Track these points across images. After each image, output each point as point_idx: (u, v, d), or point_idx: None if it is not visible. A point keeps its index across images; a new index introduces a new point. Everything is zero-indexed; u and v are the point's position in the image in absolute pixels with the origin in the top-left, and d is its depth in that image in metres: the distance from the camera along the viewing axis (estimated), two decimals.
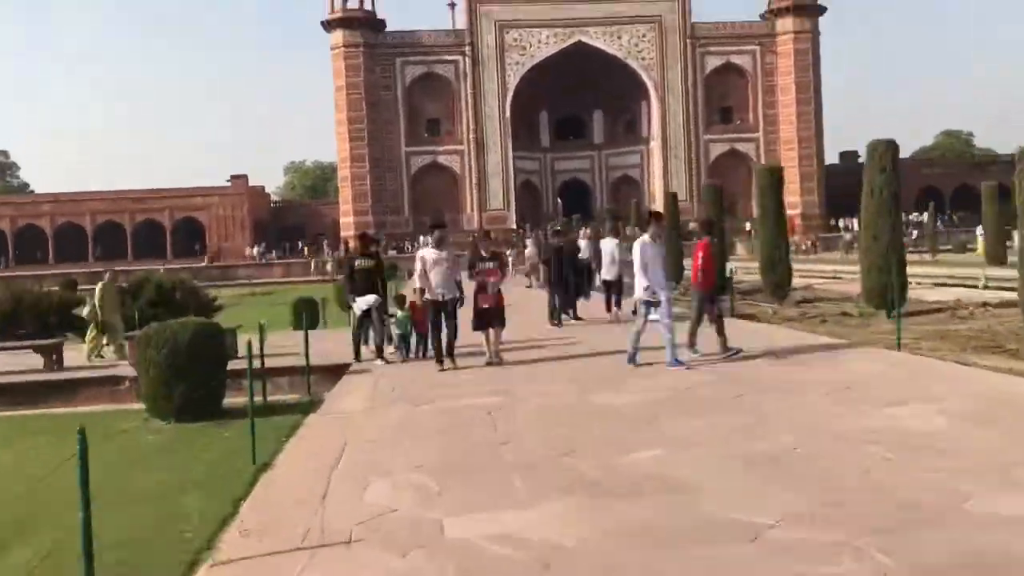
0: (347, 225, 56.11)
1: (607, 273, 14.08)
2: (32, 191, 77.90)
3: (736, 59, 58.96)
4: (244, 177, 67.69)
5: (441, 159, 57.44)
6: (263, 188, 70.45)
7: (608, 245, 14.39)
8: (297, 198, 79.99)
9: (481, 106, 57.03)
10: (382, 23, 56.93)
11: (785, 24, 58.36)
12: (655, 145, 59.16)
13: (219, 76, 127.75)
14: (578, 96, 61.80)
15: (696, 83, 58.32)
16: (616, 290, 13.85)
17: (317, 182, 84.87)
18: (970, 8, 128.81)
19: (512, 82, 57.13)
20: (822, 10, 58.60)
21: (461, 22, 57.49)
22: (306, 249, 53.24)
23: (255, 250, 54.98)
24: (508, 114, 57.23)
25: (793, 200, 57.07)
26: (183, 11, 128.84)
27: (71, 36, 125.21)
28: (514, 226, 56.99)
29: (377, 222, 56.02)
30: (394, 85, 56.85)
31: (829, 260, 40.20)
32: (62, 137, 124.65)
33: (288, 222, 67.96)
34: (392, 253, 52.65)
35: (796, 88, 58.08)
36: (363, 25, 55.75)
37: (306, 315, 11.75)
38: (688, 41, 58.07)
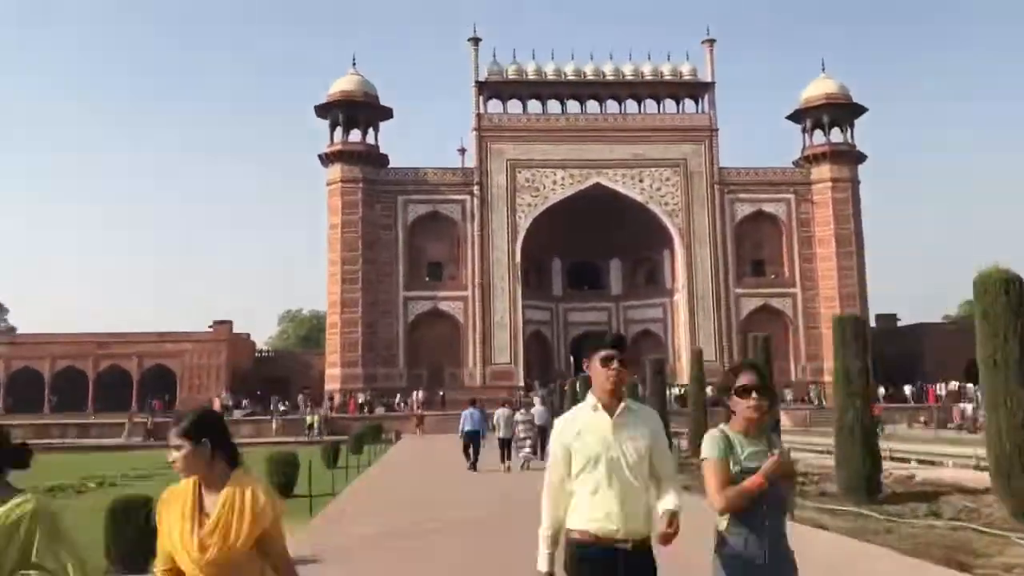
0: (333, 377, 49.95)
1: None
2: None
3: (768, 207, 54.33)
4: (228, 323, 62.29)
5: (443, 305, 51.93)
6: (247, 336, 64.79)
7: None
8: (289, 349, 74.22)
9: (488, 249, 52.04)
10: (384, 159, 52.89)
11: (822, 172, 54.08)
12: (680, 298, 53.64)
13: (218, 223, 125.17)
14: (594, 242, 56.97)
15: (725, 232, 53.45)
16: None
17: (312, 332, 79.69)
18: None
19: (523, 224, 52.39)
20: (862, 158, 54.45)
21: (470, 160, 53.36)
22: (277, 403, 46.77)
23: (220, 399, 48.44)
24: (518, 258, 52.12)
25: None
26: (184, 156, 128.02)
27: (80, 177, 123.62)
28: (521, 383, 50.71)
29: (367, 375, 49.88)
30: (394, 224, 52.15)
31: (906, 437, 34.03)
32: (58, 279, 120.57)
33: (272, 373, 61.89)
34: (380, 411, 46.24)
35: (836, 241, 53.07)
36: (363, 160, 51.68)
37: None
38: (716, 187, 53.66)
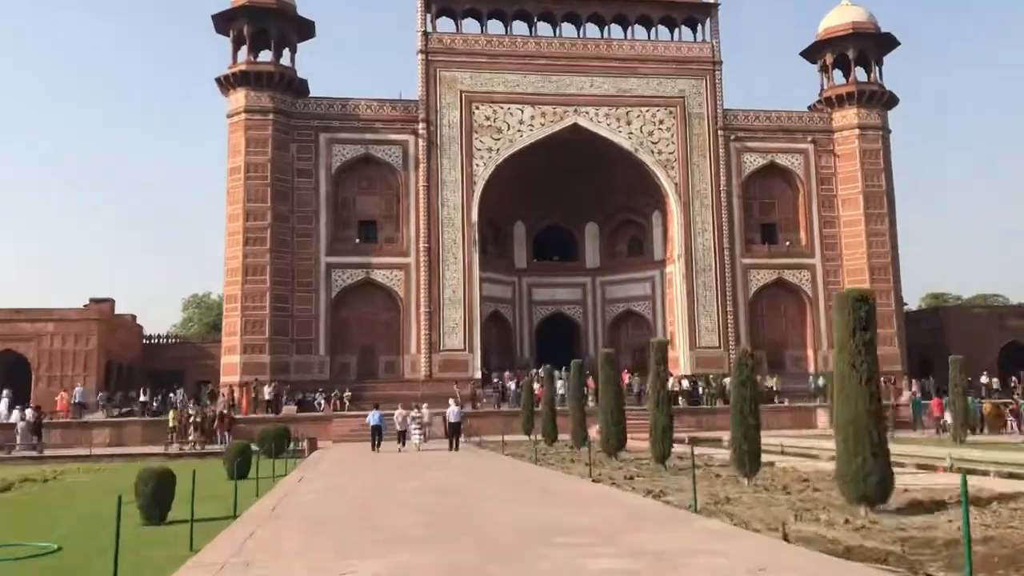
0: (231, 367, 38.50)
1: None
2: None
3: (782, 160, 44.55)
4: (107, 302, 50.25)
5: (378, 275, 40.82)
6: (132, 318, 52.63)
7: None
8: (186, 335, 61.95)
9: (437, 205, 41.09)
10: (303, 86, 41.49)
11: (846, 117, 44.52)
12: (674, 270, 43.50)
13: (108, 182, 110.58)
14: (567, 202, 46.63)
15: (731, 188, 43.48)
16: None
17: (220, 319, 67.39)
18: None
19: (482, 174, 41.58)
20: (893, 101, 45.04)
21: (413, 91, 42.29)
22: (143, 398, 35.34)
23: (66, 396, 36.22)
24: (475, 216, 41.29)
25: None
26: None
27: None
28: (477, 373, 40.04)
29: (276, 364, 38.57)
30: (315, 170, 40.81)
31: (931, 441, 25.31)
32: None
33: (164, 365, 50.18)
34: (291, 409, 35.11)
35: (865, 200, 43.58)
36: (275, 85, 40.19)
37: None
38: (720, 133, 43.62)
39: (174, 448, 29.91)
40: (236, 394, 36.12)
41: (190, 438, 30.17)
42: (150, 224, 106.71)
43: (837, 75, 46.04)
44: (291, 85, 40.76)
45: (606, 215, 47.26)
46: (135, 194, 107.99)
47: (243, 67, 40.11)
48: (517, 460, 22.74)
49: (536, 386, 35.97)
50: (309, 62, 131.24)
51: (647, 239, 46.36)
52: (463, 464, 22.59)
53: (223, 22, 41.16)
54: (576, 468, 19.62)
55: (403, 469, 21.00)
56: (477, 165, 41.62)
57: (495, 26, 43.65)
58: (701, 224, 43.02)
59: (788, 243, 44.19)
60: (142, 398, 36.52)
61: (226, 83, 40.45)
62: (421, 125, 41.33)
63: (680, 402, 36.44)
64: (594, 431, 25.14)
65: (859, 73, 45.59)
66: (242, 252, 38.92)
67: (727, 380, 37.31)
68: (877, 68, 45.19)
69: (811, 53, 46.56)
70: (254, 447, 25.08)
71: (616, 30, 44.52)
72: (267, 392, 35.10)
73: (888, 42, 45.03)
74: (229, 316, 39.39)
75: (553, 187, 45.99)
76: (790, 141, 44.65)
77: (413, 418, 28.74)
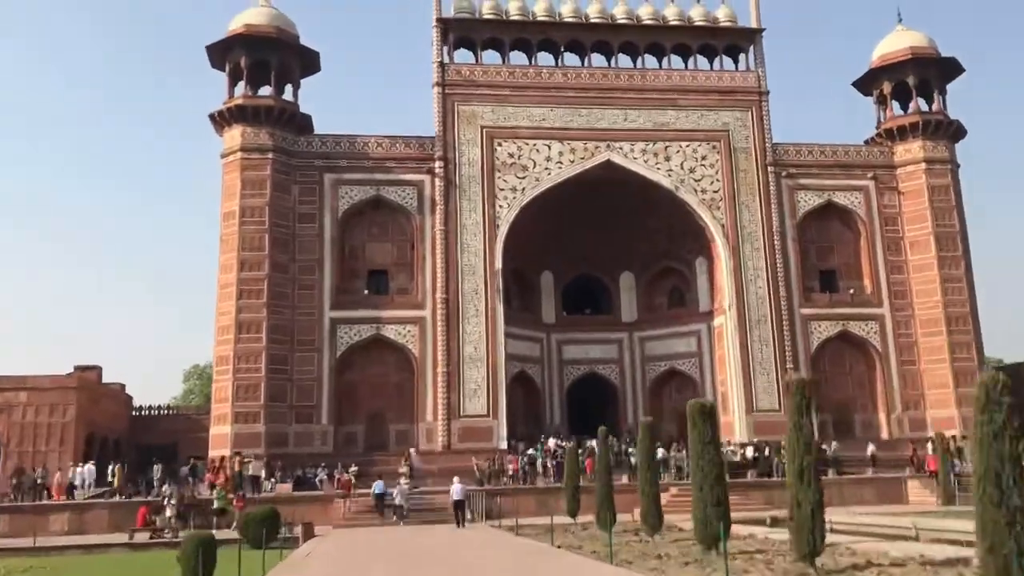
0: (221, 438, 33.69)
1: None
2: None
3: (841, 198, 40.12)
4: (94, 369, 46.04)
5: (389, 331, 36.22)
6: (121, 388, 48.12)
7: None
8: (178, 405, 57.23)
9: (456, 252, 36.71)
10: (306, 122, 37.64)
11: (910, 150, 40.25)
12: (724, 323, 38.72)
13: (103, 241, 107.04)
14: (600, 249, 42.24)
15: (784, 231, 38.95)
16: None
17: None
18: None
19: (506, 217, 37.28)
20: (960, 133, 40.76)
21: (429, 128, 38.30)
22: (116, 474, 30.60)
23: (68, 475, 31.21)
24: (499, 263, 36.84)
25: (945, 415, 36.43)
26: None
27: None
28: (503, 443, 35.06)
29: (273, 435, 33.79)
30: (319, 214, 36.66)
31: None
32: None
33: (155, 439, 45.54)
34: (285, 487, 30.24)
35: (936, 242, 38.99)
36: (275, 121, 36.34)
37: None
38: (769, 169, 39.31)
39: (144, 536, 24.94)
40: (221, 470, 31.14)
41: (158, 523, 25.15)
42: (150, 291, 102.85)
43: (895, 107, 41.99)
44: (293, 121, 36.89)
45: (643, 263, 42.71)
46: (134, 257, 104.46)
47: (239, 101, 36.30)
48: (576, 554, 17.71)
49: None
50: (314, 97, 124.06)
51: (690, 289, 41.69)
52: (503, 559, 17.59)
53: (218, 54, 37.51)
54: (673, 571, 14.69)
55: (420, 566, 16.06)
56: (500, 207, 37.34)
57: (518, 57, 39.97)
58: (753, 270, 38.37)
59: (851, 291, 39.39)
60: (110, 477, 31.54)
61: (220, 119, 36.61)
62: (438, 164, 37.23)
63: (748, 475, 31.36)
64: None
65: (919, 103, 41.45)
66: (235, 307, 34.48)
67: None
68: (940, 97, 41.06)
69: (865, 83, 42.56)
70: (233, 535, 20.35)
71: (651, 60, 40.72)
72: (252, 467, 30.10)
73: (951, 68, 40.98)
74: (220, 380, 34.71)
75: (583, 233, 41.62)
76: (848, 177, 40.27)
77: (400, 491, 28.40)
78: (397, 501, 27.91)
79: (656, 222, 40.94)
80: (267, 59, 37.01)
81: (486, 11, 39.67)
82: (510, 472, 32.76)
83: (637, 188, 39.28)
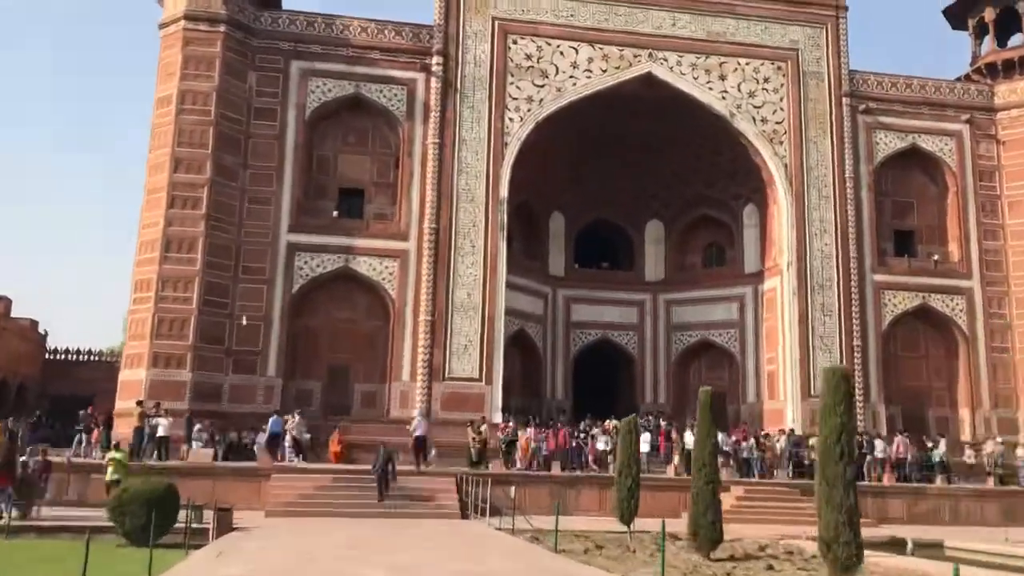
0: (133, 387, 26.40)
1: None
2: None
3: (927, 143, 33.28)
4: (3, 301, 38.90)
5: (362, 264, 29.02)
6: (32, 324, 40.74)
7: None
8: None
9: (452, 172, 29.51)
10: None
11: (1016, 91, 33.50)
12: (778, 286, 31.87)
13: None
14: (624, 189, 35.34)
15: (858, 177, 32.08)
16: None
17: None
18: None
19: (518, 133, 30.09)
20: None
21: (427, 15, 30.95)
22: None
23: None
24: (504, 192, 29.71)
25: None
26: None
27: None
28: (497, 416, 28.06)
29: (201, 386, 26.62)
30: (281, 111, 29.30)
31: None
32: None
33: (70, 387, 38.54)
34: (204, 454, 23.16)
35: None
36: None
37: None
38: (846, 101, 32.37)
39: None
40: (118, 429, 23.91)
41: None
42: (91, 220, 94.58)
43: (993, 41, 35.16)
44: None
45: (677, 210, 35.78)
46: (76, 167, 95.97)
47: None
48: None
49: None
50: None
51: (733, 245, 34.78)
52: None
53: None
54: None
55: None
56: (511, 120, 30.13)
57: None
58: (819, 223, 31.45)
59: (935, 258, 32.61)
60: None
61: None
62: (436, 59, 29.92)
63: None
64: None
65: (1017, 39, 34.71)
66: (164, 217, 27.15)
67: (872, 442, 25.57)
68: None
69: (959, 10, 35.70)
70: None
71: None
72: (163, 426, 22.83)
73: None
74: (137, 311, 27.34)
75: (608, 167, 34.71)
76: (938, 119, 33.40)
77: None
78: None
79: (698, 158, 34.01)
80: None
81: None
82: (545, 452, 25.55)
83: (680, 113, 32.26)
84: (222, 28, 28.51)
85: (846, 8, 33.19)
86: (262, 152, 28.92)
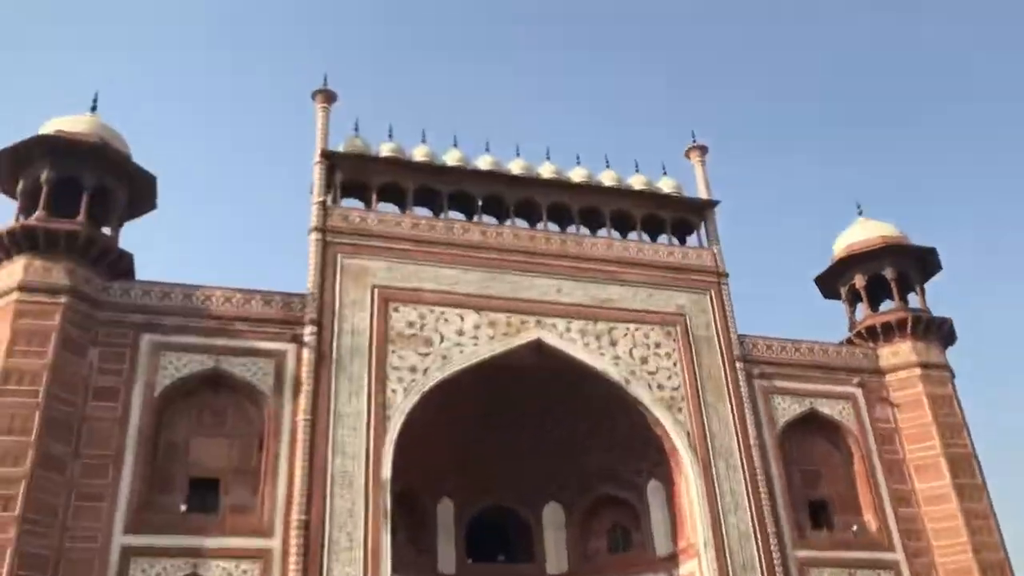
0: None
1: None
2: None
3: (825, 407, 32.46)
4: None
5: (212, 570, 24.18)
6: None
7: None
8: None
9: (325, 454, 26.02)
10: (126, 264, 27.78)
11: (899, 353, 33.77)
12: (693, 570, 28.69)
13: None
14: (517, 471, 32.57)
15: (763, 443, 30.55)
16: None
17: None
18: None
19: (401, 406, 27.33)
20: (951, 336, 34.83)
21: (300, 282, 28.91)
22: None
23: None
24: (388, 471, 26.28)
25: None
26: None
27: None
28: None
29: None
30: (125, 390, 25.64)
31: None
32: None
33: None
34: None
35: (951, 467, 31.38)
36: (80, 254, 26.27)
37: None
38: (739, 366, 31.62)
39: None
40: None
41: None
42: None
43: (862, 306, 36.12)
44: (104, 258, 26.89)
45: (575, 490, 32.88)
46: None
47: (30, 222, 26.18)
48: None
49: None
50: (145, 246, 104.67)
51: (639, 526, 31.79)
52: None
53: (9, 168, 27.77)
54: None
55: None
56: (393, 391, 27.46)
57: (422, 212, 32.09)
58: (731, 497, 29.16)
59: (854, 528, 30.58)
60: None
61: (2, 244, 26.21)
62: (309, 328, 27.50)
63: None
64: None
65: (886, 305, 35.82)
66: None
67: None
68: (921, 294, 35.53)
69: (830, 278, 36.83)
70: None
71: (584, 229, 33.78)
72: None
73: (928, 261, 35.90)
74: None
75: (497, 446, 31.98)
76: (831, 382, 32.96)
77: None
78: None
79: (593, 433, 31.90)
80: (79, 176, 27.51)
81: (384, 152, 32.29)
82: None
83: (573, 382, 30.62)
84: (63, 299, 25.40)
85: (726, 274, 33.52)
86: (99, 438, 24.77)
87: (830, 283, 37.15)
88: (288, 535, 24.78)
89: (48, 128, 28.00)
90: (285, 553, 24.54)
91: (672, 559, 30.05)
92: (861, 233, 36.56)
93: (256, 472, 26.05)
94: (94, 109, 29.74)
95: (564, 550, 32.44)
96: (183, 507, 25.02)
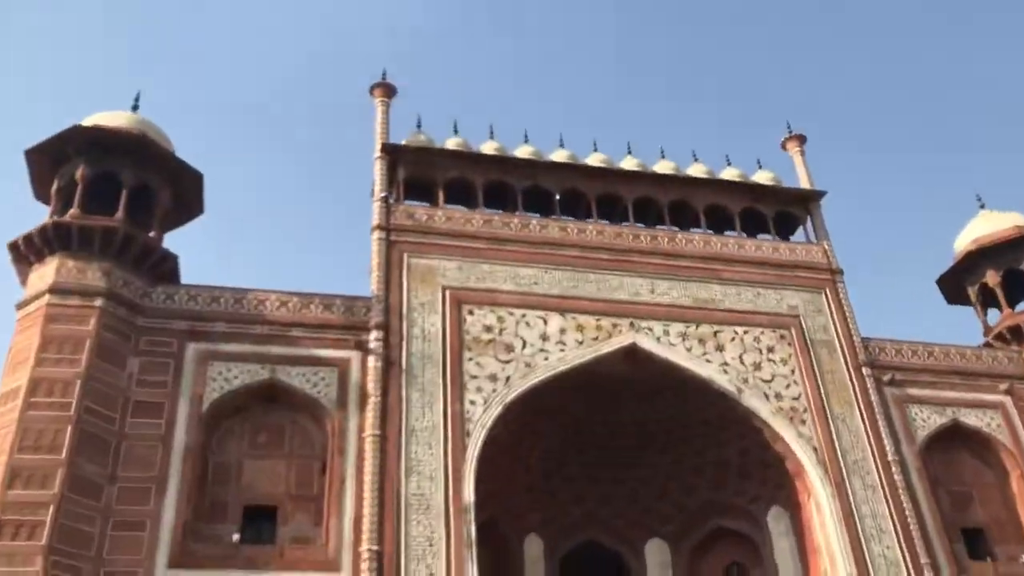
0: None
1: None
2: None
3: (970, 418, 28.18)
4: None
5: None
6: None
7: None
8: None
9: (398, 475, 22.60)
10: (170, 268, 25.08)
11: None
12: None
13: None
14: (613, 499, 28.55)
15: (903, 460, 26.32)
16: None
17: None
18: None
19: (481, 419, 23.89)
20: None
21: (362, 286, 25.95)
22: None
23: None
24: (470, 494, 22.71)
25: None
26: None
27: None
28: None
29: None
30: (170, 405, 22.65)
31: None
32: None
33: None
34: None
35: None
36: (118, 253, 23.68)
37: None
38: (865, 372, 27.63)
39: None
40: None
41: None
42: None
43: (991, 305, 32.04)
44: (146, 259, 24.25)
45: (681, 524, 28.74)
46: None
47: (64, 219, 23.73)
48: None
49: None
50: (193, 249, 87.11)
51: (762, 561, 27.51)
52: None
53: (46, 167, 25.49)
54: None
55: None
56: (472, 402, 24.07)
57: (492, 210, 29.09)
58: (873, 520, 24.89)
59: (1022, 560, 25.99)
60: None
61: (27, 249, 23.72)
62: (375, 334, 24.36)
63: None
64: None
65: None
66: None
67: None
68: None
69: (955, 277, 32.81)
70: None
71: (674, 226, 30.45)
72: None
73: None
74: None
75: (585, 473, 28.22)
76: (974, 390, 28.73)
77: None
78: None
79: (699, 454, 28.00)
80: (117, 172, 25.07)
81: (450, 146, 29.54)
82: None
83: (673, 395, 26.99)
84: (98, 303, 22.70)
85: (841, 272, 29.78)
86: (139, 459, 21.70)
87: (954, 284, 33.14)
88: (358, 568, 21.23)
89: (85, 124, 25.75)
90: None
91: None
92: (988, 225, 32.64)
93: (318, 498, 22.66)
94: (135, 108, 27.51)
95: None
96: (235, 537, 21.65)
